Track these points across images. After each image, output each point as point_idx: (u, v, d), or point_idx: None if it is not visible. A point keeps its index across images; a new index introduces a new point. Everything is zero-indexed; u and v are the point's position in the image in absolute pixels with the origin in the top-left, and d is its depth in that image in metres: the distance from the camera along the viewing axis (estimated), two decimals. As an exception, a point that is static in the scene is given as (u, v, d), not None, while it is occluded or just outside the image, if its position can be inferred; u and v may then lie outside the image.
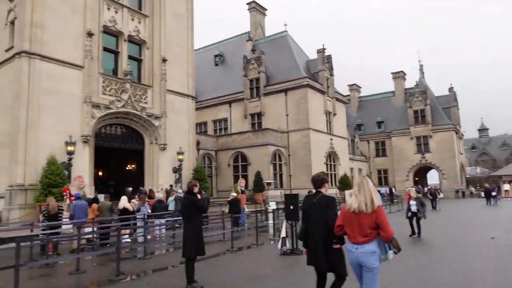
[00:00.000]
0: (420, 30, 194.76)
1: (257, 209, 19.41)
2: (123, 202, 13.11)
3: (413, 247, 10.91)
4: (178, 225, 13.02)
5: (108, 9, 21.18)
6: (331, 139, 36.57)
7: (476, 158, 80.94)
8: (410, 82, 57.16)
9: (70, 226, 11.81)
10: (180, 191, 18.32)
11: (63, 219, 11.87)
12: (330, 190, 30.03)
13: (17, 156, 16.61)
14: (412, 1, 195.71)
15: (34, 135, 17.06)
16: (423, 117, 48.67)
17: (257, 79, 36.21)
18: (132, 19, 22.50)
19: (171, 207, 15.93)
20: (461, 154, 53.30)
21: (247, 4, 44.36)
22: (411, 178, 49.01)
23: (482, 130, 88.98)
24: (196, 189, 7.02)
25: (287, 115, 33.93)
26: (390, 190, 36.38)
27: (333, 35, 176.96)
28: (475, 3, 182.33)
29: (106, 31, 21.02)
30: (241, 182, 24.32)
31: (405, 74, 56.12)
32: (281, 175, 32.73)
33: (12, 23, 18.43)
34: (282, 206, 17.16)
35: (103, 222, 12.16)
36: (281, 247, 10.01)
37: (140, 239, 12.03)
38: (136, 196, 15.69)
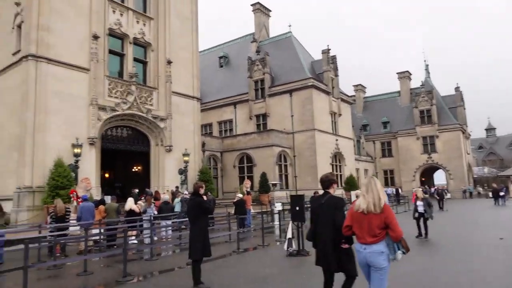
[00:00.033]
0: (424, 29, 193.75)
1: (263, 210, 19.39)
2: (130, 203, 13.18)
3: (421, 247, 10.84)
4: (184, 227, 13.05)
5: (114, 12, 21.33)
6: (337, 140, 36.46)
7: (484, 158, 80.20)
8: (415, 82, 56.76)
9: (77, 227, 11.87)
10: (186, 192, 18.37)
11: (71, 221, 11.95)
12: (336, 191, 29.90)
13: (25, 159, 16.78)
14: (414, 1, 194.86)
15: (41, 137, 17.22)
16: (429, 117, 48.35)
17: (262, 80, 36.23)
18: (137, 22, 22.64)
19: (177, 208, 15.98)
20: (468, 154, 52.86)
21: (252, 5, 44.43)
22: (418, 178, 48.69)
23: (489, 129, 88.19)
24: (202, 191, 7.03)
25: (292, 116, 33.90)
26: (397, 190, 36.15)
27: (338, 36, 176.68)
28: (476, 3, 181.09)
29: (112, 33, 21.17)
30: (247, 183, 24.34)
31: (410, 74, 55.83)
32: (286, 176, 32.69)
33: (19, 26, 18.63)
34: (288, 207, 17.17)
35: (110, 223, 12.22)
36: (287, 248, 9.99)
37: (147, 240, 12.08)
38: (143, 198, 15.76)
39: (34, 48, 17.48)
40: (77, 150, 17.67)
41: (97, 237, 11.51)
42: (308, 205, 17.65)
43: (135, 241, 12.53)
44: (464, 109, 51.49)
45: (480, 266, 8.30)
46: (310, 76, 34.10)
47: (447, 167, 46.99)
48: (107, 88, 20.35)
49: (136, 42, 22.53)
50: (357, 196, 14.35)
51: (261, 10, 44.19)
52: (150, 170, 22.92)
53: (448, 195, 39.66)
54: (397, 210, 23.98)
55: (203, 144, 28.84)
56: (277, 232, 15.60)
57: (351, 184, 32.63)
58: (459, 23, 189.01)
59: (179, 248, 12.13)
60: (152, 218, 12.74)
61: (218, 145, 32.80)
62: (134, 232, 12.60)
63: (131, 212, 13.06)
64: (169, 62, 23.53)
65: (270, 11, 45.90)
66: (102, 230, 11.69)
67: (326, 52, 36.51)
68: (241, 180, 29.91)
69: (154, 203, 15.96)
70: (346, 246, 4.52)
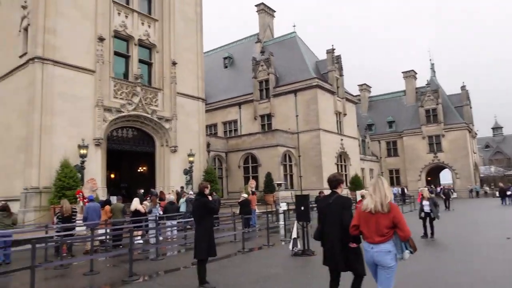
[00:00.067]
0: (430, 29, 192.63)
1: (268, 210, 19.39)
2: (135, 204, 13.26)
3: (427, 247, 10.78)
4: (189, 227, 13.10)
5: (119, 14, 21.47)
6: (342, 140, 36.37)
7: (490, 157, 79.48)
8: (420, 82, 56.36)
9: (84, 228, 11.97)
10: (191, 192, 18.43)
11: (77, 221, 12.04)
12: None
13: (32, 160, 16.94)
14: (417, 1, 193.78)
15: (48, 139, 17.38)
16: (435, 116, 48.06)
17: (267, 81, 36.25)
18: (142, 23, 22.76)
19: (183, 208, 16.04)
20: (475, 153, 52.46)
21: (256, 6, 44.47)
22: (424, 178, 48.40)
23: (496, 128, 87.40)
24: (207, 191, 7.07)
25: (297, 116, 33.88)
26: (402, 190, 35.99)
27: (342, 35, 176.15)
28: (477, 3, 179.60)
29: (117, 35, 21.31)
30: (252, 183, 24.31)
31: (416, 73, 55.53)
32: (291, 176, 32.68)
33: (26, 29, 18.82)
34: (292, 207, 17.16)
35: (116, 223, 12.31)
36: (292, 248, 10.00)
37: (152, 240, 12.13)
38: (148, 198, 15.84)
39: (40, 50, 17.65)
40: (83, 151, 17.80)
41: (103, 237, 11.58)
42: (313, 205, 17.69)
43: (141, 241, 12.60)
44: (471, 108, 51.11)
45: (486, 266, 8.25)
46: (314, 76, 34.06)
47: (453, 167, 46.67)
48: (113, 89, 20.48)
49: (141, 44, 22.65)
50: (362, 196, 14.36)
51: (265, 11, 44.23)
52: (155, 170, 23.03)
53: (455, 195, 39.39)
54: (403, 209, 23.81)
55: (208, 145, 28.92)
56: (282, 232, 15.59)
57: (356, 184, 32.52)
58: (465, 22, 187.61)
59: (184, 248, 12.19)
60: (157, 218, 12.81)
61: (223, 146, 32.86)
62: (140, 232, 12.67)
63: (136, 212, 13.14)
64: (174, 63, 23.63)
65: (275, 11, 45.91)
66: (108, 230, 11.77)
67: (330, 51, 36.44)
68: (246, 180, 29.94)
69: (159, 203, 16.04)
70: (354, 245, 4.55)
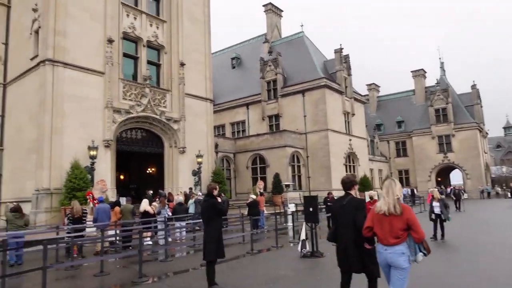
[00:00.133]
0: (438, 28, 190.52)
1: (276, 211, 19.36)
2: (144, 205, 13.33)
3: (437, 249, 10.65)
4: (198, 228, 13.13)
5: (127, 15, 21.64)
6: (350, 140, 36.16)
7: (502, 157, 78.28)
8: (429, 81, 55.85)
9: (94, 229, 12.08)
10: (200, 193, 18.48)
11: (87, 222, 12.15)
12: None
13: (43, 161, 17.15)
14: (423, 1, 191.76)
15: (59, 140, 17.58)
16: (445, 116, 47.51)
17: (274, 81, 36.21)
18: (151, 25, 22.90)
19: (191, 209, 16.09)
20: (486, 153, 51.73)
21: (263, 6, 44.48)
22: (433, 178, 47.85)
23: (508, 128, 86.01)
24: (215, 192, 7.07)
25: (305, 116, 33.78)
26: (412, 191, 35.59)
27: (350, 35, 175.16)
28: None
29: (126, 37, 21.48)
30: (260, 184, 24.31)
31: (425, 72, 55.00)
32: (299, 177, 32.59)
33: (37, 32, 19.07)
34: (301, 208, 17.11)
35: (125, 225, 12.39)
36: (301, 249, 9.96)
37: (161, 241, 12.20)
38: (157, 199, 15.92)
39: (51, 52, 17.86)
40: (93, 153, 17.96)
41: (113, 238, 11.67)
42: (322, 206, 17.61)
43: (150, 242, 12.67)
44: (481, 107, 50.44)
45: (500, 268, 8.11)
46: (322, 76, 33.92)
47: (463, 167, 46.08)
48: (122, 91, 20.64)
49: (150, 45, 22.80)
50: (370, 197, 14.21)
51: (273, 11, 44.21)
52: (164, 171, 23.15)
53: (465, 195, 38.87)
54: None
55: (216, 145, 28.99)
56: (290, 233, 15.56)
57: (365, 184, 32.32)
58: (475, 20, 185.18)
59: (193, 249, 12.22)
60: (166, 219, 12.87)
61: (231, 146, 32.90)
62: (149, 233, 12.75)
63: (145, 214, 13.21)
64: (182, 64, 23.73)
65: (282, 11, 45.89)
66: (117, 232, 11.85)
67: (338, 51, 36.27)
68: (254, 181, 29.95)
69: (168, 204, 16.11)
70: (369, 247, 4.54)
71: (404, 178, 50.62)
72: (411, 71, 55.54)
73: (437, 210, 12.25)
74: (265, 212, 19.04)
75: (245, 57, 43.69)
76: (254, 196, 17.20)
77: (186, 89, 23.84)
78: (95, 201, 14.87)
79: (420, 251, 4.08)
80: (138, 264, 8.01)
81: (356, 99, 38.55)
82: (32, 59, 19.06)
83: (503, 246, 10.85)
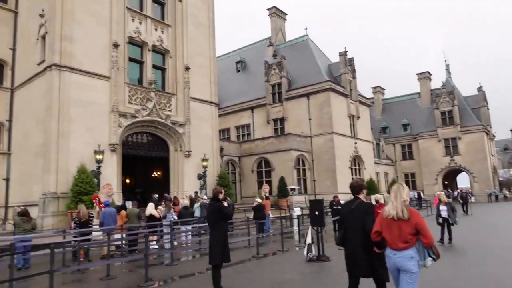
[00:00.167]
0: (443, 30, 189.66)
1: (282, 215, 19.31)
2: (150, 209, 13.36)
3: (445, 253, 10.54)
4: (204, 232, 13.13)
5: (133, 20, 21.81)
6: (355, 143, 36.04)
7: (510, 159, 77.63)
8: (435, 83, 55.61)
9: (100, 233, 12.12)
10: (205, 197, 18.49)
11: (93, 226, 12.20)
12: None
13: (50, 166, 17.27)
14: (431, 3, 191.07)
15: (65, 144, 17.70)
16: (451, 118, 47.21)
17: (279, 84, 36.24)
18: (156, 29, 23.06)
19: (197, 213, 16.09)
20: (493, 156, 51.27)
21: (268, 10, 44.65)
22: (440, 181, 47.48)
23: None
24: (221, 196, 7.08)
25: (309, 119, 33.73)
26: (418, 194, 35.35)
27: (354, 38, 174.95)
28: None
29: (131, 41, 21.63)
30: (265, 187, 24.27)
31: (430, 75, 54.72)
32: (305, 180, 32.50)
33: (43, 37, 19.27)
34: (307, 211, 17.04)
35: (131, 228, 12.42)
36: (307, 253, 9.91)
37: (167, 245, 12.20)
38: (163, 203, 15.95)
39: (57, 57, 18.03)
40: (99, 157, 18.06)
41: (119, 242, 11.70)
42: (328, 210, 17.53)
43: (156, 246, 12.68)
44: (488, 109, 50.04)
45: (508, 271, 8.02)
46: (327, 79, 33.89)
47: (470, 170, 45.68)
48: (127, 95, 20.77)
49: (155, 49, 22.94)
50: (376, 201, 14.14)
51: (277, 14, 44.35)
52: (169, 175, 23.21)
53: (473, 199, 38.52)
54: (419, 214, 23.43)
55: (221, 149, 29.01)
56: (296, 237, 15.50)
57: (371, 188, 32.09)
58: (480, 21, 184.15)
59: (199, 253, 12.21)
60: (172, 223, 12.87)
61: (236, 150, 32.93)
62: (155, 237, 12.76)
63: (151, 217, 13.23)
64: (187, 68, 23.85)
65: (286, 14, 46.00)
66: (124, 235, 11.88)
67: (343, 54, 36.25)
68: (260, 184, 29.93)
69: (173, 208, 16.13)
70: (379, 251, 4.53)
71: (410, 181, 50.24)
72: (416, 74, 55.31)
73: (444, 214, 12.15)
74: (271, 216, 18.99)
75: (249, 60, 43.80)
76: (259, 200, 17.17)
77: (191, 93, 23.93)
78: (101, 205, 14.93)
79: (429, 256, 4.07)
80: (144, 268, 8.02)
81: (361, 102, 38.45)
82: (39, 64, 19.26)
83: (511, 250, 10.73)
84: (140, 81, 22.04)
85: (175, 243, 12.62)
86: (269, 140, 32.54)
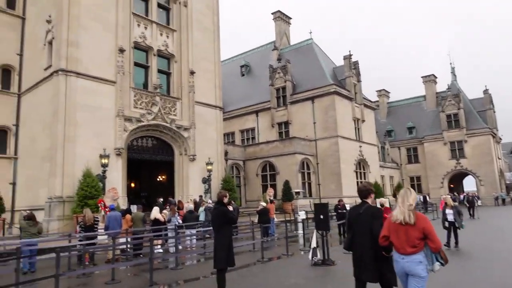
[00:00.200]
0: (448, 33, 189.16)
1: (287, 218, 19.26)
2: (155, 213, 13.40)
3: (451, 257, 10.44)
4: (208, 235, 13.13)
5: (138, 25, 21.98)
6: (360, 146, 35.91)
7: (516, 162, 76.74)
8: (440, 86, 55.28)
9: (105, 236, 12.16)
10: (210, 201, 18.51)
11: (99, 230, 12.25)
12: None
13: (56, 170, 17.40)
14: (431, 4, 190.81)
15: (71, 149, 17.82)
16: (457, 121, 46.93)
17: (284, 88, 36.28)
18: (161, 34, 23.22)
19: (201, 217, 16.11)
20: (500, 159, 50.83)
21: (272, 14, 44.80)
22: (446, 185, 47.12)
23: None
24: (226, 200, 7.07)
25: (314, 123, 33.69)
26: (424, 198, 35.14)
27: (358, 41, 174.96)
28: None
29: (137, 46, 21.79)
30: (270, 191, 24.19)
31: (436, 78, 54.51)
32: (309, 184, 32.42)
33: (50, 43, 19.48)
34: (311, 215, 17.00)
35: (136, 232, 12.45)
36: (312, 257, 9.88)
37: (172, 249, 12.22)
38: (167, 207, 15.98)
39: (64, 63, 18.21)
40: (104, 161, 18.15)
41: (124, 246, 11.73)
42: (333, 214, 17.46)
43: (161, 250, 12.70)
44: (494, 112, 49.71)
45: (515, 277, 7.94)
46: (332, 83, 33.87)
47: (477, 173, 45.32)
48: (133, 99, 20.89)
49: (160, 54, 23.08)
50: (381, 205, 14.07)
51: (281, 18, 44.47)
52: (174, 179, 23.25)
53: (479, 202, 38.16)
54: (425, 218, 23.25)
55: (226, 153, 29.05)
56: (301, 241, 15.46)
57: (376, 191, 31.96)
58: (485, 25, 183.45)
59: (203, 257, 12.21)
60: (176, 227, 12.89)
61: (240, 154, 32.95)
62: (160, 241, 12.78)
63: (156, 221, 13.26)
64: (192, 73, 23.96)
65: (291, 18, 46.11)
66: (129, 239, 11.92)
67: (348, 57, 36.25)
68: (264, 188, 29.88)
69: (178, 212, 16.15)
70: (387, 255, 4.52)
71: (416, 184, 49.95)
72: (422, 77, 55.10)
73: (450, 217, 12.05)
74: (275, 219, 18.96)
75: (254, 64, 43.92)
76: (264, 204, 17.16)
77: (196, 97, 24.03)
78: (106, 209, 14.99)
79: (437, 260, 4.07)
80: (149, 272, 8.05)
81: (366, 105, 38.37)
82: (45, 69, 19.46)
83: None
84: (145, 86, 22.18)
85: (180, 247, 12.63)
86: (273, 143, 32.54)
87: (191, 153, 23.14)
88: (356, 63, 37.25)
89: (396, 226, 4.19)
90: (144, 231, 12.83)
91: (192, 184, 23.03)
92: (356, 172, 34.85)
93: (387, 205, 14.70)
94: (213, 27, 26.95)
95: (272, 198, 22.68)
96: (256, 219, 16.74)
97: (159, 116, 21.67)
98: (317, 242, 10.05)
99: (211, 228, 8.03)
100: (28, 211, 11.93)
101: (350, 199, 27.19)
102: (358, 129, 36.53)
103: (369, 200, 4.97)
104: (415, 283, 4.06)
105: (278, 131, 36.38)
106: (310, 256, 9.96)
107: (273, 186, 29.39)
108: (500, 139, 53.29)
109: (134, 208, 15.00)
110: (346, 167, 32.75)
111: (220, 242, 6.81)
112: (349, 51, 36.06)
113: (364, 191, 5.02)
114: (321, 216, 9.71)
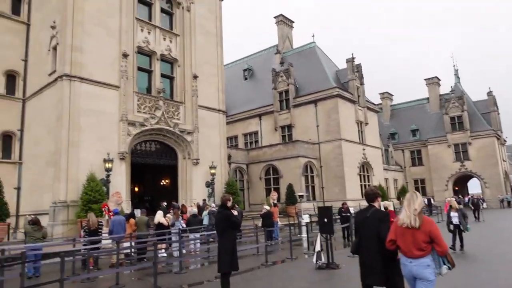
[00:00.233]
0: (451, 35, 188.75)
1: (290, 222, 19.21)
2: (159, 217, 13.40)
3: (457, 260, 10.36)
4: (212, 239, 13.11)
5: (142, 30, 22.13)
6: (364, 149, 35.82)
7: (521, 164, 76.20)
8: (443, 89, 55.18)
9: (109, 241, 12.17)
10: (213, 205, 18.50)
11: (103, 234, 12.26)
12: (365, 202, 29.23)
13: (60, 174, 17.48)
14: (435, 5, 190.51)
15: (75, 153, 17.91)
16: (461, 124, 46.74)
17: (286, 91, 36.30)
18: (164, 39, 23.35)
19: (205, 221, 16.10)
20: (505, 161, 50.50)
21: (275, 17, 44.93)
22: (451, 187, 46.87)
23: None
24: (229, 203, 7.05)
25: (317, 126, 33.66)
26: (429, 200, 34.89)
27: (362, 44, 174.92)
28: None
29: (140, 51, 21.93)
30: (273, 195, 24.21)
31: (439, 80, 54.38)
32: (313, 187, 32.34)
33: (55, 48, 19.65)
34: (315, 219, 16.94)
35: (140, 237, 12.46)
36: (316, 261, 9.83)
37: (176, 253, 12.20)
38: (171, 211, 15.99)
39: (68, 68, 18.34)
40: (108, 165, 18.21)
41: (128, 250, 11.74)
42: (337, 217, 17.40)
43: (165, 254, 12.69)
44: (498, 114, 49.47)
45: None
46: (335, 86, 33.86)
47: (481, 175, 45.04)
48: (136, 104, 20.99)
49: (163, 59, 23.20)
50: (385, 208, 14.04)
51: (284, 22, 44.59)
52: (178, 183, 23.29)
53: (484, 205, 37.90)
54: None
55: (229, 157, 29.07)
56: (305, 244, 15.40)
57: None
58: (488, 27, 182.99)
59: (207, 261, 12.18)
60: (180, 231, 12.89)
61: (244, 157, 32.95)
62: (164, 245, 12.77)
63: (160, 225, 13.27)
64: (195, 77, 24.05)
65: (293, 22, 46.22)
66: (132, 243, 11.92)
67: (350, 60, 36.24)
68: (268, 192, 29.85)
69: (182, 216, 16.15)
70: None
71: (420, 187, 49.71)
72: (425, 79, 54.98)
73: (455, 220, 11.97)
74: (279, 223, 18.92)
75: (257, 68, 44.01)
76: (267, 207, 17.13)
77: (199, 101, 24.10)
78: (110, 213, 15.00)
79: (444, 264, 4.07)
80: (153, 276, 8.03)
81: (369, 108, 38.30)
82: (50, 74, 19.61)
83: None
84: (148, 90, 22.28)
85: (184, 251, 12.64)
86: (277, 147, 32.52)
87: (194, 157, 23.18)
88: (359, 66, 37.23)
89: (402, 229, 4.19)
90: (148, 235, 12.83)
91: (195, 188, 23.05)
92: (360, 175, 34.74)
93: (391, 208, 14.60)
94: (216, 31, 27.07)
95: (275, 201, 22.67)
96: (259, 223, 16.71)
97: (162, 120, 21.75)
98: (321, 246, 10.00)
99: (215, 232, 8.02)
100: (32, 216, 11.97)
101: (354, 202, 27.10)
102: (362, 132, 36.45)
103: (376, 204, 4.97)
104: (424, 287, 4.05)
105: (281, 135, 36.37)
106: (314, 260, 9.92)
107: (277, 190, 29.35)
108: (505, 141, 52.98)
109: (138, 212, 15.00)
110: (349, 170, 32.65)
111: (224, 246, 6.80)
112: (352, 54, 36.08)
113: (371, 194, 5.01)
114: (325, 220, 9.69)
